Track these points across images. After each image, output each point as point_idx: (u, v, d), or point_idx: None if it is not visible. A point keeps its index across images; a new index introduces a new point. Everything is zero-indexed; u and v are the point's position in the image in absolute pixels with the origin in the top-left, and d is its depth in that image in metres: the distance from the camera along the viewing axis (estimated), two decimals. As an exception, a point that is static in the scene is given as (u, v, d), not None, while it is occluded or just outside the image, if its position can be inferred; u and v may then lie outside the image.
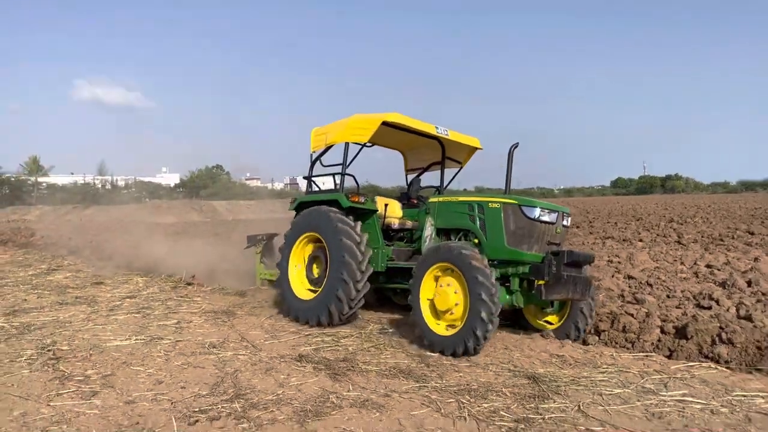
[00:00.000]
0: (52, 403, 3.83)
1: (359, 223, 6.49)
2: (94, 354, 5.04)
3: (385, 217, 6.98)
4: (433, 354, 5.30)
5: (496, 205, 5.86)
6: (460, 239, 6.21)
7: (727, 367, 4.86)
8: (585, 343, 6.02)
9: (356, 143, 7.00)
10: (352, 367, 4.81)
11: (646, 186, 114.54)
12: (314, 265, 6.92)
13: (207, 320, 6.57)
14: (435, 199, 6.63)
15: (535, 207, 5.75)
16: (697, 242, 13.65)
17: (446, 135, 7.05)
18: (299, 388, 4.27)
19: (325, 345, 5.57)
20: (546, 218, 5.80)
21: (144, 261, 11.89)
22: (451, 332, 5.33)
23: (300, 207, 7.22)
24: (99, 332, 5.85)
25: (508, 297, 5.80)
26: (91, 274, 10.49)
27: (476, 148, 7.74)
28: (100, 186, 55.90)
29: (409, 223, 7.13)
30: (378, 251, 6.55)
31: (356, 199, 6.64)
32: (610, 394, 4.10)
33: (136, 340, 5.58)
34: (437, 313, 5.56)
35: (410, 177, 8.40)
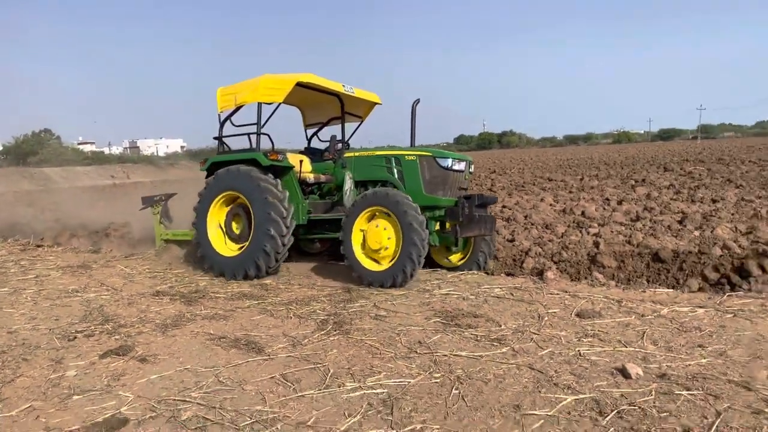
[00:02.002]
0: (-63, 340, 4.52)
1: (279, 180, 6.79)
2: (-38, 305, 5.62)
3: (300, 173, 7.24)
4: (273, 280, 6.48)
5: (412, 158, 6.47)
6: None
7: (490, 274, 6.59)
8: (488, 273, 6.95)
9: (269, 103, 7.12)
10: (203, 295, 5.88)
11: (485, 142, 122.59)
12: (233, 223, 7.12)
13: (65, 273, 7.20)
14: (351, 154, 6.99)
15: (448, 158, 6.44)
16: (504, 189, 16.05)
17: (352, 93, 7.42)
18: (159, 312, 5.29)
19: (178, 284, 6.55)
20: (457, 167, 6.51)
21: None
22: (377, 267, 6.01)
23: (212, 166, 7.30)
24: (-41, 289, 6.32)
25: None
26: (-75, 244, 10.32)
27: (375, 103, 8.18)
28: None
29: (322, 177, 7.43)
30: (298, 205, 6.89)
31: (275, 157, 6.86)
32: (399, 295, 5.61)
33: (-1, 292, 6.17)
34: (366, 251, 6.16)
35: (309, 132, 8.79)
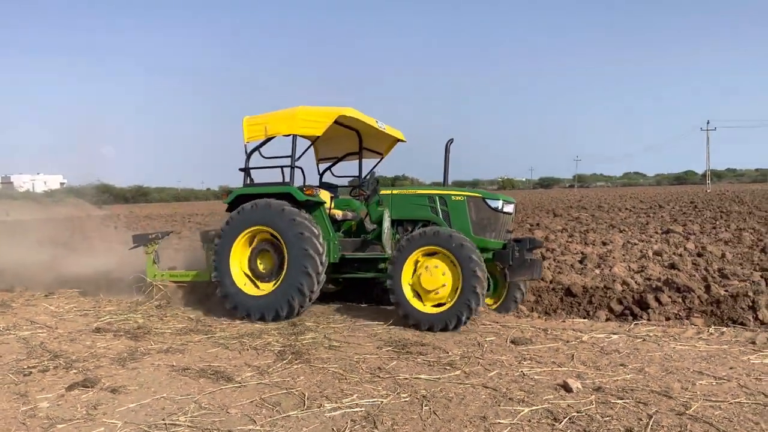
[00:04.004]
0: None
1: (311, 216, 6.53)
2: None
3: (331, 209, 6.98)
4: (210, 317, 6.53)
5: (459, 198, 6.38)
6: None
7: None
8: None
9: (305, 136, 6.98)
10: (148, 332, 5.88)
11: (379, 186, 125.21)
12: (258, 260, 6.70)
13: (-16, 312, 6.88)
14: (388, 192, 6.75)
15: (498, 199, 6.39)
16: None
17: (384, 129, 7.25)
18: (108, 347, 5.28)
19: (116, 320, 6.45)
20: (506, 209, 6.46)
21: None
22: (426, 308, 5.82)
23: (237, 200, 6.83)
24: None
25: None
26: None
27: (398, 140, 7.93)
28: None
29: (350, 215, 7.27)
30: (330, 243, 6.54)
31: (311, 193, 6.60)
32: (344, 327, 5.95)
33: None
34: (418, 294, 5.93)
35: (322, 166, 8.41)
